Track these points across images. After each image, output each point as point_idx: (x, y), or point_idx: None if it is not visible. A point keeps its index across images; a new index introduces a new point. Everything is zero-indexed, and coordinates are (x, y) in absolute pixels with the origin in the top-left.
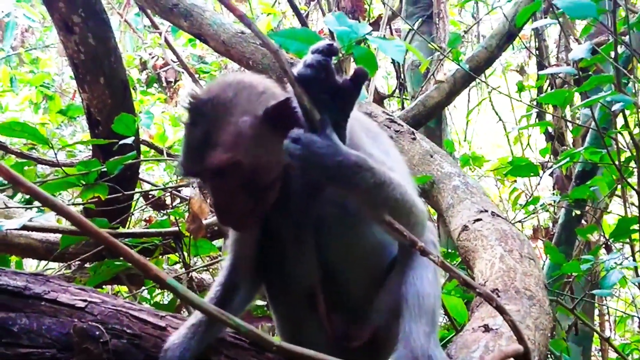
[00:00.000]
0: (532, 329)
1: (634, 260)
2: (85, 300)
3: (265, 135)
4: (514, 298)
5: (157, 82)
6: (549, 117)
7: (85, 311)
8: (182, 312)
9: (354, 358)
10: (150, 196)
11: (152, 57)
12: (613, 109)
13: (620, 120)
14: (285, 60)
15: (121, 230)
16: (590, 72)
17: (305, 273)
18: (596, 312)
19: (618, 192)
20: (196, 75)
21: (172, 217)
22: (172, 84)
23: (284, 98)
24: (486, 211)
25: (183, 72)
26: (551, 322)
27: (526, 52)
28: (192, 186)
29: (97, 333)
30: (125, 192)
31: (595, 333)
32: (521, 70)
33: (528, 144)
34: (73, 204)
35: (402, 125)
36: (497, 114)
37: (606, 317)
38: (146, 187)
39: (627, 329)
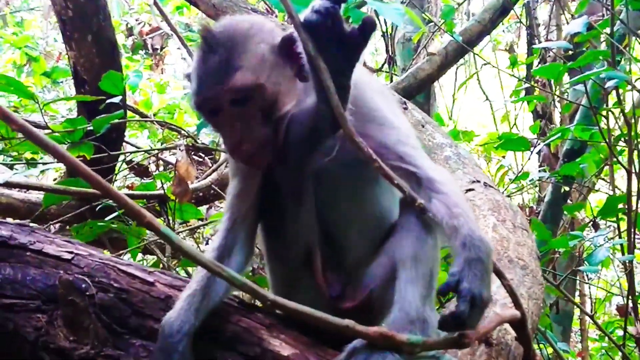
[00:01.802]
0: (525, 297)
1: (620, 238)
2: (71, 253)
3: (282, 64)
4: (507, 267)
5: (143, 48)
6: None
7: (71, 263)
8: None
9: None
10: (134, 163)
11: (139, 23)
12: (606, 85)
13: (611, 99)
14: (292, 5)
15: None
16: (584, 49)
17: (303, 230)
18: (577, 294)
19: (604, 174)
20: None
21: (157, 181)
22: (159, 51)
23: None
24: (479, 181)
25: (171, 37)
26: (543, 292)
27: (515, 33)
28: (179, 149)
29: (84, 286)
30: (111, 152)
31: (575, 313)
32: (510, 49)
33: (515, 123)
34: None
35: (393, 95)
36: (484, 93)
37: (587, 298)
38: (131, 151)
39: (605, 311)
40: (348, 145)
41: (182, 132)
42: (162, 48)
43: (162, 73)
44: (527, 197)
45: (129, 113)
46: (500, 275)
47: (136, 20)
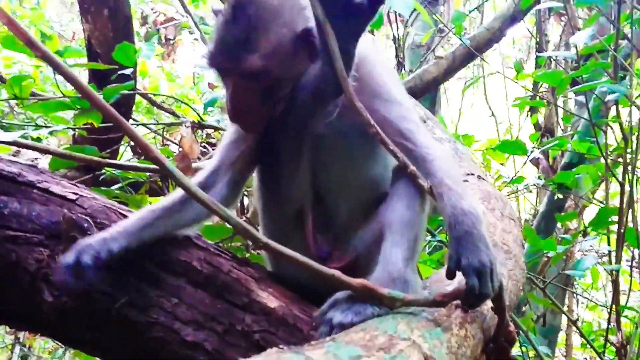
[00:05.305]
0: (505, 277)
1: (609, 245)
2: (76, 194)
3: (297, 53)
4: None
5: (156, 38)
6: (542, 110)
7: (75, 203)
8: None
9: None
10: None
11: (154, 13)
12: (607, 99)
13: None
14: None
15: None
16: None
17: (297, 190)
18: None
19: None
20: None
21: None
22: (171, 41)
23: None
24: (473, 174)
25: (184, 29)
26: (524, 277)
27: (526, 51)
28: (185, 125)
29: (86, 225)
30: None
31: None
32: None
33: (518, 136)
34: (67, 128)
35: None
36: (489, 108)
37: (575, 314)
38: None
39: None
40: (348, 113)
41: (190, 108)
42: (174, 38)
43: (173, 63)
44: (525, 215)
45: (137, 98)
46: None
47: (152, 9)
